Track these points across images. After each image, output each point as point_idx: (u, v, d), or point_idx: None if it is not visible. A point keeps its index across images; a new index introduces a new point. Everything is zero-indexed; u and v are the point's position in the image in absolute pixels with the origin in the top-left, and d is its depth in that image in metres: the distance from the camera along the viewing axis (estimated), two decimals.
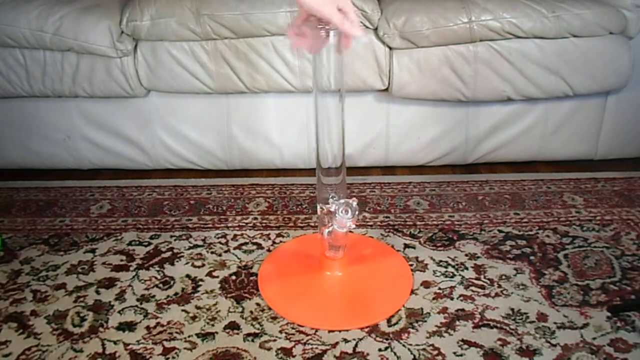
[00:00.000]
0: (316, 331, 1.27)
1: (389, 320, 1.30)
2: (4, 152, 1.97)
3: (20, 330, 1.31)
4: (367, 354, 1.21)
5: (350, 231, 1.40)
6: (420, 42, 1.75)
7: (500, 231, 1.60)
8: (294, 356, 1.21)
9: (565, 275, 1.43)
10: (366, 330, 1.27)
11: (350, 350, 1.22)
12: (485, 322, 1.29)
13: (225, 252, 1.55)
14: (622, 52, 1.78)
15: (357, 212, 1.28)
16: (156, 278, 1.46)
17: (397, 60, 1.78)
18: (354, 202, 1.28)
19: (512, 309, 1.32)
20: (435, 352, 1.21)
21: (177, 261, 1.52)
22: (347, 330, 1.27)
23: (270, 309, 1.35)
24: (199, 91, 1.84)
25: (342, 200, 1.29)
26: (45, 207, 1.79)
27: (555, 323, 1.28)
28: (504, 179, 1.88)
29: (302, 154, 1.93)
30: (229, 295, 1.39)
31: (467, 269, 1.46)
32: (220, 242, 1.59)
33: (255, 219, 1.70)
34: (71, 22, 1.76)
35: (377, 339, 1.25)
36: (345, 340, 1.25)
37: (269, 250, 1.55)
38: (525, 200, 1.75)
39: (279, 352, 1.23)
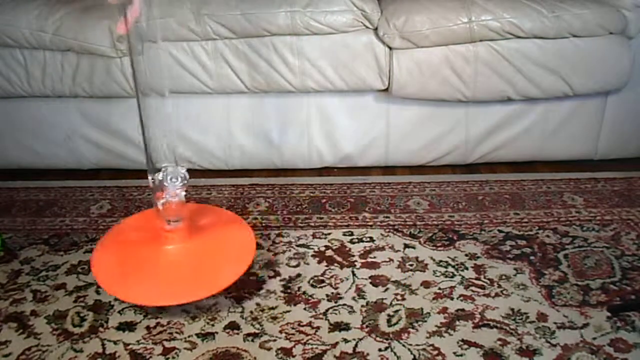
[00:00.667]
0: (316, 331, 1.28)
1: (388, 320, 1.30)
2: (4, 152, 1.97)
3: (20, 330, 1.31)
4: (367, 354, 1.21)
5: (187, 201, 1.37)
6: (420, 42, 1.75)
7: (500, 231, 1.60)
8: (294, 356, 1.21)
9: (565, 275, 1.43)
10: (366, 330, 1.27)
11: (350, 350, 1.22)
12: (485, 322, 1.29)
13: None
14: (622, 52, 1.78)
15: (186, 180, 1.27)
16: None
17: (397, 60, 1.78)
18: (182, 169, 1.27)
19: (512, 309, 1.32)
20: (435, 352, 1.21)
21: None
22: (348, 325, 1.27)
23: (270, 308, 1.35)
24: (199, 91, 1.84)
25: (170, 169, 1.28)
26: (45, 207, 1.79)
27: (555, 323, 1.28)
28: (504, 179, 1.88)
29: (302, 154, 1.93)
30: (229, 295, 1.39)
31: (467, 269, 1.46)
32: None
33: (255, 219, 1.70)
34: (71, 22, 1.76)
35: (377, 339, 1.25)
36: (345, 340, 1.25)
37: (269, 250, 1.55)
38: (525, 200, 1.75)
39: (279, 352, 1.23)
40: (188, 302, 1.29)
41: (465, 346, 1.23)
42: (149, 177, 1.34)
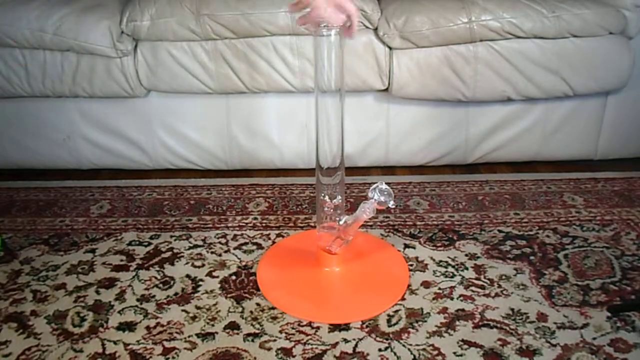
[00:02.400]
0: (316, 331, 1.27)
1: (388, 320, 1.30)
2: (4, 152, 1.97)
3: (20, 330, 1.31)
4: (367, 354, 1.21)
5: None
6: (420, 42, 1.75)
7: (500, 231, 1.60)
8: (294, 356, 1.21)
9: (565, 275, 1.43)
10: (366, 330, 1.27)
11: (350, 350, 1.22)
12: (485, 322, 1.29)
13: (225, 252, 1.55)
14: (622, 52, 1.78)
15: (392, 193, 1.28)
16: (156, 278, 1.46)
17: (397, 60, 1.78)
18: (382, 184, 1.29)
19: (512, 309, 1.32)
20: (435, 352, 1.21)
21: (177, 261, 1.52)
22: (348, 326, 1.27)
23: (270, 308, 1.35)
24: (199, 91, 1.84)
25: (375, 186, 1.29)
26: (45, 207, 1.79)
27: (555, 323, 1.28)
28: (504, 179, 1.88)
29: (302, 154, 1.93)
30: (229, 295, 1.39)
31: (467, 269, 1.46)
32: (220, 242, 1.59)
33: (255, 219, 1.70)
34: (71, 22, 1.76)
35: (377, 339, 1.25)
36: (345, 340, 1.25)
37: None
38: (525, 200, 1.75)
39: (279, 352, 1.23)
40: (347, 323, 1.30)
41: (465, 346, 1.23)
42: (322, 201, 1.37)
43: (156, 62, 1.80)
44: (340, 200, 1.37)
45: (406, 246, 1.55)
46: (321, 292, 1.41)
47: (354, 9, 1.23)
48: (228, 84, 1.82)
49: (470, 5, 1.75)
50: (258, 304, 1.36)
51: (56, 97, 1.88)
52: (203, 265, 1.50)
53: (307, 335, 1.27)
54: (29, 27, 1.76)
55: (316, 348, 1.23)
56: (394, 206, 1.29)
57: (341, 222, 1.36)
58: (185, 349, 1.24)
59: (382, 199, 1.27)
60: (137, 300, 1.39)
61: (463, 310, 1.32)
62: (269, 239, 1.60)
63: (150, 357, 1.22)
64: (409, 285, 1.40)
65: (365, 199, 1.28)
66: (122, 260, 1.53)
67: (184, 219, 1.70)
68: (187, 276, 1.46)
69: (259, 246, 1.57)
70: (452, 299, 1.36)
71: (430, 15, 1.73)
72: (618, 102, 1.88)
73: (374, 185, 1.28)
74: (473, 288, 1.39)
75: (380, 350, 1.22)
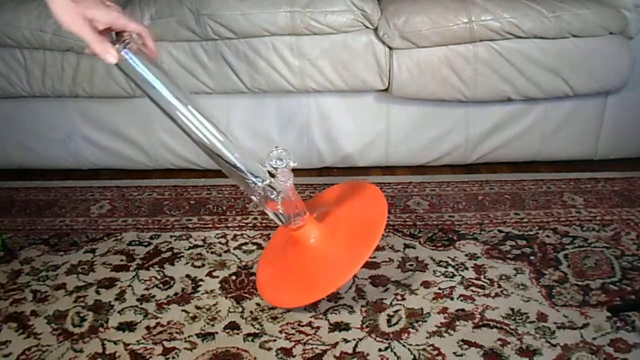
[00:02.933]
0: (316, 331, 1.27)
1: (388, 320, 1.30)
2: (4, 152, 1.97)
3: (20, 330, 1.31)
4: (367, 354, 1.21)
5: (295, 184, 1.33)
6: (420, 42, 1.75)
7: (500, 231, 1.60)
8: (294, 356, 1.21)
9: (565, 275, 1.43)
10: (366, 330, 1.27)
11: (350, 350, 1.22)
12: (485, 322, 1.29)
13: (225, 252, 1.55)
14: (622, 52, 1.78)
15: (288, 157, 1.26)
16: (156, 278, 1.46)
17: (397, 60, 1.78)
18: (277, 150, 1.26)
19: (512, 309, 1.32)
20: (435, 352, 1.21)
21: (177, 261, 1.52)
22: (348, 325, 1.27)
23: (270, 308, 1.35)
24: (199, 91, 1.84)
25: (270, 156, 1.27)
26: (45, 207, 1.79)
27: (555, 323, 1.28)
28: (504, 179, 1.88)
29: (302, 154, 1.93)
30: (229, 295, 1.39)
31: (467, 269, 1.46)
32: (220, 242, 1.59)
33: (255, 219, 1.70)
34: None
35: (377, 339, 1.25)
36: (345, 340, 1.25)
37: None
38: (525, 200, 1.75)
39: (279, 352, 1.23)
40: (339, 284, 1.28)
41: (465, 346, 1.23)
42: (253, 198, 1.32)
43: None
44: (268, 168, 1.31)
45: (406, 246, 1.55)
46: (308, 267, 1.36)
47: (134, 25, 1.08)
48: (228, 84, 1.82)
49: (470, 5, 1.75)
50: (258, 304, 1.36)
51: (56, 97, 1.88)
52: (203, 265, 1.50)
53: (307, 335, 1.27)
54: (29, 27, 1.76)
55: (316, 348, 1.23)
56: (295, 163, 1.26)
57: (279, 202, 1.30)
58: (185, 349, 1.24)
59: (287, 163, 1.25)
60: (137, 300, 1.39)
61: (463, 310, 1.32)
62: (269, 239, 1.60)
63: (150, 357, 1.22)
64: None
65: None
66: (122, 260, 1.53)
67: (184, 219, 1.70)
68: (187, 276, 1.46)
69: (259, 246, 1.57)
70: (452, 299, 1.36)
71: (430, 15, 1.73)
72: (618, 102, 1.88)
73: (269, 157, 1.26)
74: (473, 288, 1.39)
75: (380, 350, 1.22)
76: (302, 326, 1.29)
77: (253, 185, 1.28)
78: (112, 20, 1.05)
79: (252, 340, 1.26)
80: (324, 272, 1.34)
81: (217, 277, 1.46)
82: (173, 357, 1.22)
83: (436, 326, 1.28)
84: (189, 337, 1.27)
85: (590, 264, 1.47)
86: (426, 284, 1.41)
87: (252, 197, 1.32)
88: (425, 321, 1.29)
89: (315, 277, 1.34)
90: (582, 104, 1.88)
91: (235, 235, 1.62)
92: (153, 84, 1.18)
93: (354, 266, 1.28)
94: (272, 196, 1.28)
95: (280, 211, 1.30)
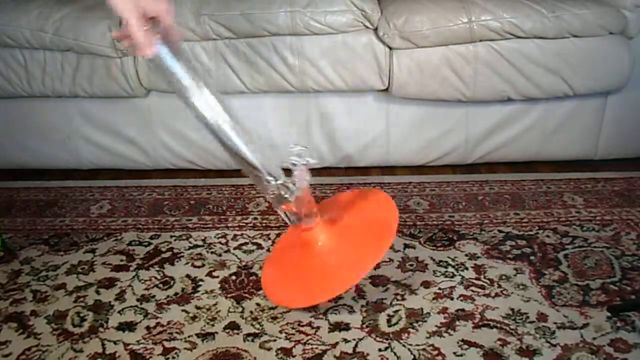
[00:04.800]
0: (316, 331, 1.28)
1: (388, 320, 1.30)
2: (4, 152, 1.97)
3: (20, 330, 1.31)
4: (367, 354, 1.21)
5: (311, 185, 1.33)
6: (420, 42, 1.75)
7: (500, 231, 1.60)
8: (294, 356, 1.21)
9: (565, 275, 1.43)
10: (366, 330, 1.27)
11: (350, 350, 1.22)
12: (485, 322, 1.29)
13: (225, 252, 1.55)
14: (622, 52, 1.78)
15: (306, 156, 1.26)
16: (156, 278, 1.46)
17: (397, 60, 1.78)
18: (294, 147, 1.27)
19: (512, 309, 1.32)
20: (435, 352, 1.21)
21: (177, 261, 1.52)
22: (348, 326, 1.27)
23: (270, 308, 1.35)
24: None
25: (296, 148, 1.28)
26: (45, 207, 1.79)
27: (555, 323, 1.28)
28: (504, 179, 1.88)
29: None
30: (229, 295, 1.39)
31: (467, 269, 1.46)
32: (220, 242, 1.59)
33: (255, 219, 1.70)
34: (71, 22, 1.76)
35: (377, 339, 1.25)
36: (345, 340, 1.25)
37: (269, 250, 1.55)
38: (525, 200, 1.75)
39: (279, 352, 1.23)
40: (345, 288, 1.28)
41: (465, 346, 1.23)
42: (269, 197, 1.32)
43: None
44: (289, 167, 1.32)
45: (406, 246, 1.55)
46: (315, 269, 1.37)
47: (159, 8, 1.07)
48: (228, 84, 1.82)
49: (470, 5, 1.75)
50: (258, 304, 1.36)
51: (56, 97, 1.88)
52: (203, 265, 1.50)
53: (307, 335, 1.27)
54: (29, 27, 1.76)
55: (316, 348, 1.23)
56: (316, 162, 1.27)
57: (292, 200, 1.30)
58: (185, 349, 1.24)
59: (305, 160, 1.25)
60: (137, 300, 1.39)
61: (463, 310, 1.32)
62: (269, 239, 1.60)
63: (150, 357, 1.22)
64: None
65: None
66: (122, 260, 1.53)
67: (184, 219, 1.70)
68: (187, 276, 1.46)
69: (259, 246, 1.57)
70: (452, 299, 1.36)
71: (430, 15, 1.73)
72: (618, 102, 1.88)
73: (290, 154, 1.26)
74: (473, 288, 1.39)
75: (380, 350, 1.22)
76: (302, 326, 1.29)
77: (267, 183, 1.28)
78: (159, 12, 1.06)
79: (252, 340, 1.26)
80: (329, 276, 1.34)
81: (217, 277, 1.46)
82: (173, 357, 1.22)
83: (436, 326, 1.28)
84: (189, 337, 1.27)
85: (590, 264, 1.47)
86: (426, 284, 1.41)
87: (266, 196, 1.31)
88: (425, 321, 1.29)
89: (320, 280, 1.35)
90: (582, 104, 1.88)
91: (235, 235, 1.62)
92: (181, 79, 1.19)
93: (359, 273, 1.29)
94: (286, 195, 1.29)
95: (293, 210, 1.30)
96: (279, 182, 1.28)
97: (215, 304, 1.37)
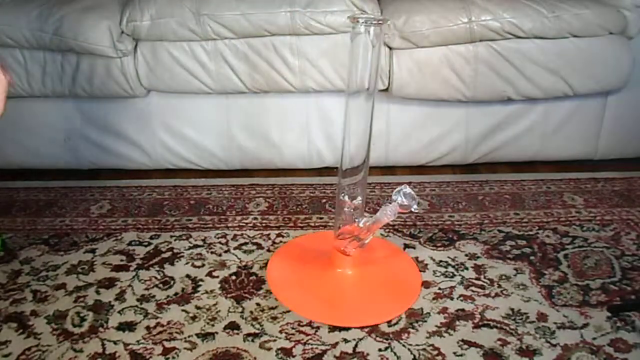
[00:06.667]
0: (316, 331, 1.27)
1: (388, 320, 1.30)
2: (4, 152, 1.97)
3: (20, 330, 1.31)
4: (367, 354, 1.21)
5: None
6: (420, 42, 1.75)
7: (500, 231, 1.60)
8: (294, 356, 1.21)
9: (565, 275, 1.43)
10: (366, 330, 1.27)
11: (350, 350, 1.22)
12: (485, 322, 1.29)
13: (225, 252, 1.55)
14: (622, 52, 1.78)
15: (416, 197, 1.28)
16: (156, 278, 1.46)
17: (397, 60, 1.78)
18: (406, 188, 1.28)
19: (512, 309, 1.32)
20: (435, 352, 1.21)
21: (177, 261, 1.52)
22: (348, 330, 1.27)
23: (270, 308, 1.35)
24: (199, 91, 1.84)
25: (399, 189, 1.29)
26: (45, 207, 1.79)
27: (555, 323, 1.28)
28: (504, 179, 1.88)
29: (302, 154, 1.93)
30: (229, 295, 1.39)
31: (467, 269, 1.46)
32: (220, 242, 1.59)
33: (255, 219, 1.70)
34: (71, 22, 1.76)
35: (377, 339, 1.25)
36: (345, 340, 1.25)
37: (269, 250, 1.55)
38: (525, 200, 1.75)
39: (279, 352, 1.23)
40: (350, 326, 1.29)
41: (465, 346, 1.23)
42: (342, 201, 1.35)
43: (156, 62, 1.80)
44: (360, 201, 1.36)
45: (406, 246, 1.55)
46: (332, 293, 1.40)
47: None
48: (228, 84, 1.82)
49: (470, 5, 1.75)
50: (258, 304, 1.36)
51: (56, 97, 1.88)
52: (203, 265, 1.50)
53: (307, 335, 1.27)
54: (29, 27, 1.76)
55: (316, 348, 1.23)
56: (417, 210, 1.29)
57: (360, 224, 1.34)
58: (185, 349, 1.24)
59: (405, 202, 1.26)
60: (137, 300, 1.39)
61: (463, 310, 1.32)
62: (269, 239, 1.60)
63: (150, 357, 1.22)
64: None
65: (365, 200, 1.28)
66: (122, 260, 1.53)
67: (184, 219, 1.70)
68: (187, 276, 1.46)
69: (259, 246, 1.57)
70: (452, 299, 1.36)
71: (430, 15, 1.73)
72: (618, 102, 1.88)
73: (399, 188, 1.27)
74: (473, 288, 1.39)
75: (380, 350, 1.22)
76: (302, 326, 1.29)
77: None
78: None
79: (252, 340, 1.26)
80: (341, 307, 1.37)
81: (217, 277, 1.46)
82: (173, 357, 1.22)
83: (436, 326, 1.28)
84: (189, 337, 1.27)
85: (590, 264, 1.47)
86: (426, 284, 1.41)
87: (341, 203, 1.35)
88: (425, 321, 1.29)
89: (330, 304, 1.37)
90: (582, 104, 1.88)
91: (235, 235, 1.62)
92: None
93: (366, 320, 1.30)
94: (355, 217, 1.34)
95: (355, 232, 1.34)
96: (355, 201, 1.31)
97: (215, 304, 1.37)
